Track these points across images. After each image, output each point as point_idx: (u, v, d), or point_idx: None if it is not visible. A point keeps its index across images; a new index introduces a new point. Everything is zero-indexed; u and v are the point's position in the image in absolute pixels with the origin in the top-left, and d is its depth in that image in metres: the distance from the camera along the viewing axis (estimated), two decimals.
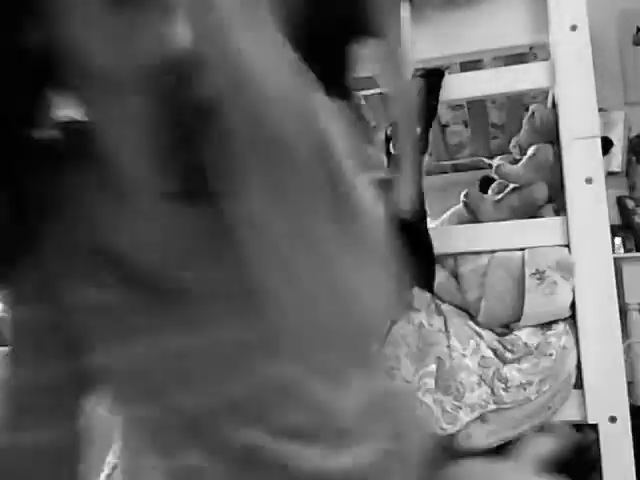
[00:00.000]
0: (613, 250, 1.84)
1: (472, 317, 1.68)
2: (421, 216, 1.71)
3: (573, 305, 1.57)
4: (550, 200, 1.74)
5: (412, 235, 1.66)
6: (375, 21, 1.45)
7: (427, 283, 1.70)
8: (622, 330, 1.53)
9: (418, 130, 1.69)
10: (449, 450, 0.75)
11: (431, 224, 1.78)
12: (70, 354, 0.58)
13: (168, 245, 0.55)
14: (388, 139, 1.73)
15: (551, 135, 1.76)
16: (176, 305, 0.55)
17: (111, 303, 0.55)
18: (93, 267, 0.56)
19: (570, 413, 1.54)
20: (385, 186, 1.48)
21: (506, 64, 2.32)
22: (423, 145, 1.75)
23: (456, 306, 1.71)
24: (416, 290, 1.67)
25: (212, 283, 0.55)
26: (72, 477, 0.64)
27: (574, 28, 1.67)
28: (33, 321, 0.58)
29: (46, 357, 0.58)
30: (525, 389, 1.50)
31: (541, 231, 1.66)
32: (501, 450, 1.59)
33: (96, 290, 0.56)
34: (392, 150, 1.65)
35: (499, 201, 1.79)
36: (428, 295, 1.69)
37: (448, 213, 1.89)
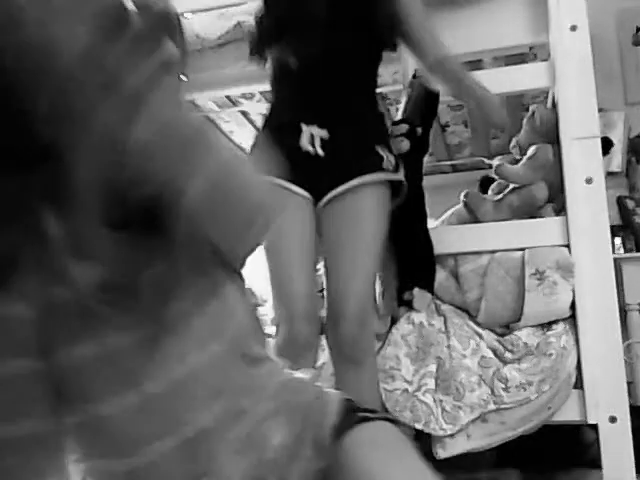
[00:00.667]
0: (613, 250, 1.84)
1: (472, 317, 1.68)
2: (421, 216, 1.71)
3: (573, 305, 1.57)
4: (550, 200, 1.74)
5: (412, 235, 1.67)
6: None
7: (427, 283, 1.70)
8: (622, 330, 1.53)
9: (419, 130, 1.69)
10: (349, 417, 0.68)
11: (431, 224, 1.78)
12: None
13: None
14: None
15: (551, 135, 1.76)
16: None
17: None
18: None
19: (570, 413, 1.54)
20: (394, 186, 1.48)
21: (506, 64, 2.32)
22: (424, 145, 1.75)
23: (456, 306, 1.71)
24: (416, 290, 1.67)
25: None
26: None
27: (574, 28, 1.67)
28: None
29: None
30: (525, 389, 1.50)
31: (541, 231, 1.66)
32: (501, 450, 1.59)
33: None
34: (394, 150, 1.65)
35: (499, 201, 1.79)
36: (428, 295, 1.69)
37: (448, 213, 1.89)
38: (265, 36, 1.46)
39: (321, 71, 1.41)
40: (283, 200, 1.34)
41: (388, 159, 1.45)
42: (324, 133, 1.40)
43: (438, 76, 1.57)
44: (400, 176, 1.48)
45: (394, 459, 0.63)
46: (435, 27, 1.54)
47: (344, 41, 1.41)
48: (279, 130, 1.44)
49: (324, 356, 1.56)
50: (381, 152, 1.45)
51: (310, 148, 1.39)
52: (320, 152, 1.39)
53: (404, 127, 1.70)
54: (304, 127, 1.40)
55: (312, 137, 1.40)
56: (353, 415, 0.68)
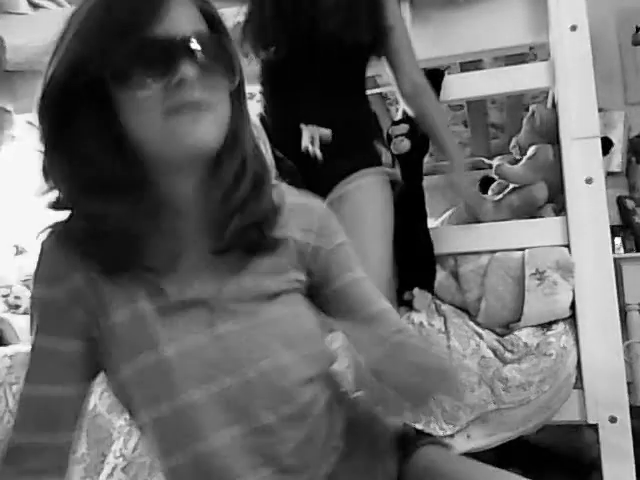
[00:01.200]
0: (613, 250, 1.84)
1: (472, 317, 1.68)
2: (421, 216, 1.71)
3: (573, 305, 1.57)
4: (550, 200, 1.74)
5: (413, 235, 1.66)
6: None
7: (427, 283, 1.70)
8: (622, 330, 1.53)
9: (420, 130, 1.69)
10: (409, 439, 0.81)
11: (431, 224, 1.78)
12: None
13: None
14: (389, 138, 1.73)
15: (551, 135, 1.76)
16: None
17: None
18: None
19: (570, 413, 1.54)
20: (393, 185, 1.49)
21: (506, 64, 2.32)
22: (424, 145, 1.75)
23: (456, 306, 1.71)
24: (416, 290, 1.67)
25: None
26: None
27: (574, 28, 1.67)
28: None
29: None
30: (525, 389, 1.50)
31: (541, 231, 1.66)
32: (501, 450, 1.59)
33: None
34: (393, 150, 1.65)
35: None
36: (428, 295, 1.69)
37: (448, 213, 1.89)
38: (252, 40, 1.46)
39: (311, 72, 1.41)
40: None
41: (386, 155, 1.45)
42: (324, 133, 1.40)
43: (412, 106, 1.55)
44: (397, 173, 1.48)
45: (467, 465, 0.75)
46: (414, 57, 1.54)
47: (330, 49, 1.40)
48: (277, 132, 1.44)
49: None
50: (379, 148, 1.45)
51: (311, 148, 1.39)
52: (319, 153, 1.40)
53: (404, 127, 1.70)
54: (304, 128, 1.40)
55: (312, 138, 1.40)
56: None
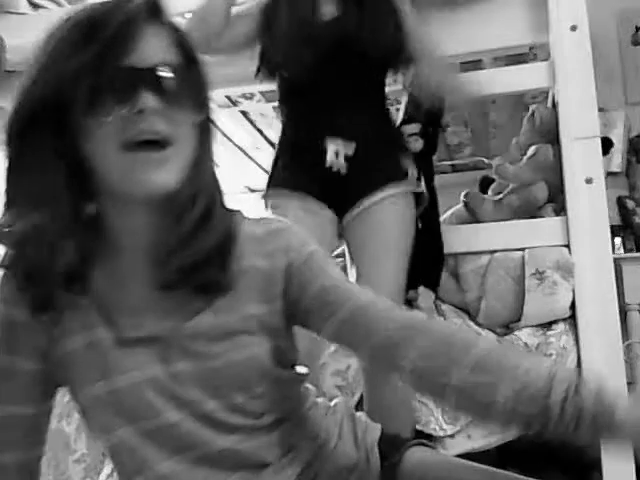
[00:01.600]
0: (613, 250, 1.84)
1: (472, 317, 1.68)
2: (434, 216, 1.71)
3: (573, 305, 1.57)
4: (550, 200, 1.74)
5: (424, 235, 1.67)
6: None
7: (433, 283, 1.70)
8: (622, 330, 1.53)
9: (431, 129, 1.70)
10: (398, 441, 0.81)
11: None
12: None
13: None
14: None
15: (551, 135, 1.76)
16: None
17: None
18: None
19: None
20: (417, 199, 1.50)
21: (506, 64, 2.32)
22: (434, 144, 1.75)
23: (456, 306, 1.71)
24: (422, 289, 1.66)
25: None
26: None
27: (574, 28, 1.67)
28: None
29: None
30: None
31: (541, 231, 1.66)
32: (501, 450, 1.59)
33: None
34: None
35: (499, 201, 1.79)
36: (432, 295, 1.69)
37: (448, 213, 1.89)
38: (268, 60, 1.46)
39: (332, 87, 1.41)
40: (305, 220, 1.33)
41: (412, 171, 1.46)
42: (350, 147, 1.40)
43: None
44: (422, 187, 1.49)
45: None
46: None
47: (349, 64, 1.41)
48: (300, 148, 1.44)
49: (324, 357, 1.56)
50: (405, 164, 1.46)
51: (335, 163, 1.39)
52: (344, 168, 1.39)
53: (416, 126, 1.70)
54: (329, 142, 1.40)
55: (337, 153, 1.39)
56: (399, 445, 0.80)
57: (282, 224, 0.76)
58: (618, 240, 2.06)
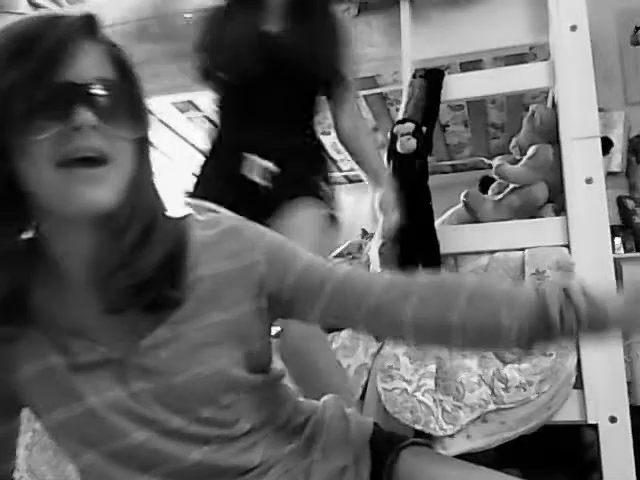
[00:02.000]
0: (613, 250, 1.84)
1: None
2: (428, 216, 1.71)
3: None
4: (550, 200, 1.74)
5: (419, 235, 1.67)
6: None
7: None
8: None
9: (424, 129, 1.70)
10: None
11: None
12: None
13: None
14: (394, 137, 1.73)
15: (551, 135, 1.76)
16: None
17: None
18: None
19: (570, 413, 1.54)
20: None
21: (506, 64, 2.32)
22: (428, 144, 1.75)
23: None
24: None
25: None
26: None
27: (574, 28, 1.67)
28: None
29: None
30: (525, 389, 1.50)
31: (541, 231, 1.66)
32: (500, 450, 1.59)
33: None
34: (399, 149, 1.65)
35: (499, 201, 1.79)
36: None
37: (448, 213, 1.89)
38: (209, 61, 1.48)
39: (265, 100, 1.44)
40: None
41: (323, 189, 1.47)
42: (265, 164, 1.42)
43: (350, 144, 1.58)
44: (334, 209, 1.49)
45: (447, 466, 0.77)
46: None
47: (285, 77, 1.43)
48: (224, 154, 1.47)
49: None
50: (318, 183, 1.47)
51: (250, 177, 1.42)
52: (262, 182, 1.42)
53: (410, 126, 1.70)
54: (246, 157, 1.42)
55: (253, 166, 1.42)
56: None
57: (232, 220, 0.74)
58: (618, 240, 2.06)
